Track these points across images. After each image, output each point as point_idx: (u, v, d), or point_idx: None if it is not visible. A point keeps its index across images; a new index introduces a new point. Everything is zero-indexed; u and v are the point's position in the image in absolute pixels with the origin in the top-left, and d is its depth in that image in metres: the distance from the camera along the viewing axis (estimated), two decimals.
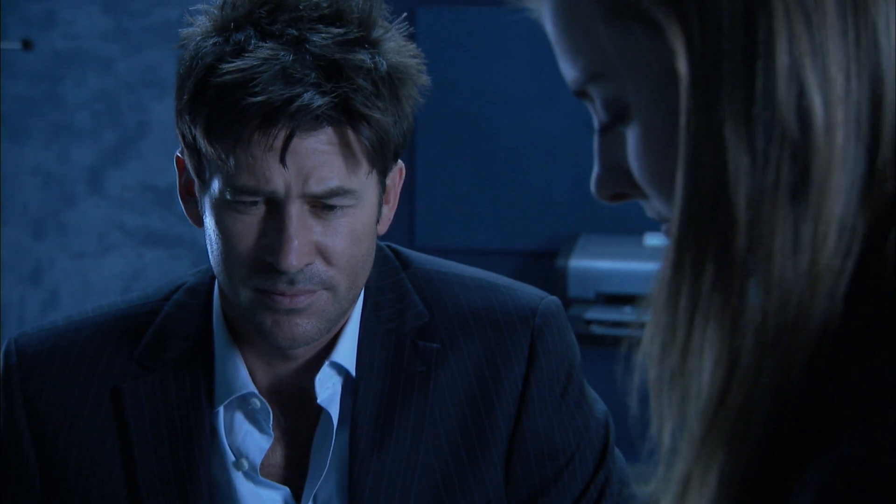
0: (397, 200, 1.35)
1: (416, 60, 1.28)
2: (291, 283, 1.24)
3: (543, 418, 1.38)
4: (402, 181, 1.36)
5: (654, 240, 3.42)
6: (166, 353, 1.36)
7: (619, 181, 0.75)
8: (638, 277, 3.31)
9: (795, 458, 0.65)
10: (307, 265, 1.24)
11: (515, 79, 3.70)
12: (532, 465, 1.38)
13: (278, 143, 1.20)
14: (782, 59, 0.66)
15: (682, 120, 0.68)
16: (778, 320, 0.67)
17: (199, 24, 1.26)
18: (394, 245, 1.44)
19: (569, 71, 0.74)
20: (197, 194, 1.30)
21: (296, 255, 1.22)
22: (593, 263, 3.37)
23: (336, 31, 1.22)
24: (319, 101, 1.19)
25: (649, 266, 3.28)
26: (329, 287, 1.26)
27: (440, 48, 3.70)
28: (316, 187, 1.22)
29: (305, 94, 1.19)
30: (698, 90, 0.68)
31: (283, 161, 1.20)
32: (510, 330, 1.38)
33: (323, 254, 1.25)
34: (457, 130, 3.74)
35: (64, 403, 1.36)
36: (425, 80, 1.28)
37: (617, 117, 0.74)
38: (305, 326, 1.27)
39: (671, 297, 0.69)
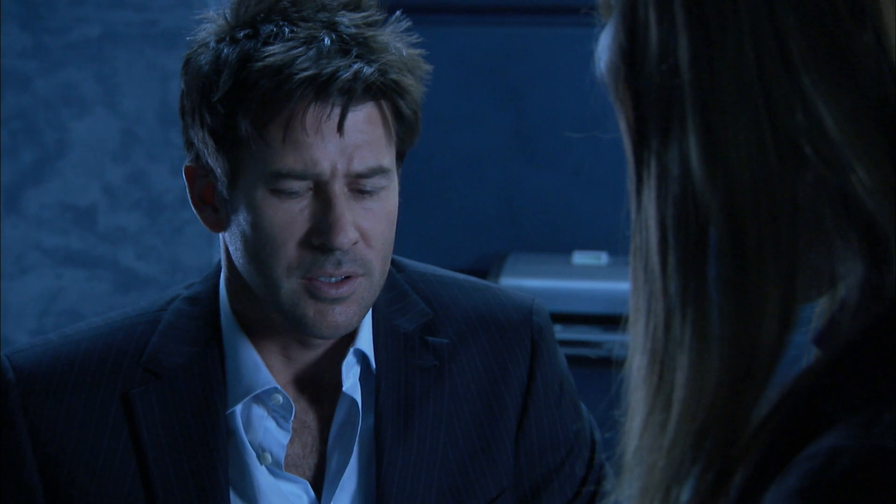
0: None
1: (417, 51, 1.32)
2: (339, 264, 1.27)
3: (547, 411, 1.44)
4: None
5: (582, 258, 3.44)
6: (173, 359, 1.36)
7: None
8: (567, 296, 3.34)
9: (777, 455, 0.66)
10: (353, 244, 1.27)
11: (443, 98, 3.69)
12: (536, 457, 1.43)
13: (335, 114, 1.24)
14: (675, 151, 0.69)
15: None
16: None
17: (206, 33, 1.29)
18: None
19: None
20: (222, 197, 1.31)
21: (346, 233, 1.25)
22: (523, 282, 3.37)
23: (361, 14, 1.28)
24: (368, 70, 1.24)
25: (578, 284, 3.34)
26: (367, 271, 1.29)
27: None
28: (359, 165, 1.26)
29: (354, 65, 1.24)
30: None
31: (340, 130, 1.24)
32: (512, 328, 1.44)
33: (363, 236, 1.29)
34: None
35: (70, 415, 1.34)
36: (428, 68, 1.32)
37: None
38: (348, 313, 1.29)
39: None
